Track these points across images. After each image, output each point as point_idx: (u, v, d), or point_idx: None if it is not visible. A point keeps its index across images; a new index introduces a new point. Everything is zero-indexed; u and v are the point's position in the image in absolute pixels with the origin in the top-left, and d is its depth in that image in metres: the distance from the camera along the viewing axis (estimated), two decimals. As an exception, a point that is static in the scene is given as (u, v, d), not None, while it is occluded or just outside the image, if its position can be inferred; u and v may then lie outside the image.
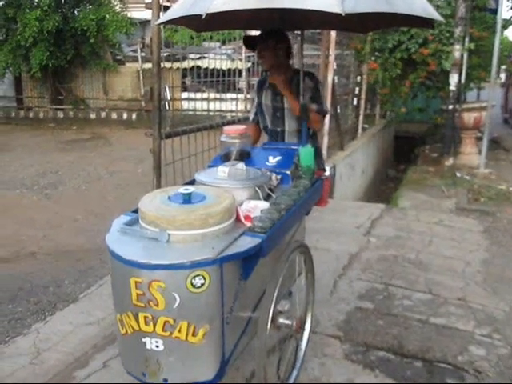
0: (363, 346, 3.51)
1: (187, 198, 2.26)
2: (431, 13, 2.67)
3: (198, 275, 2.01)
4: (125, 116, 18.24)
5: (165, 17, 3.01)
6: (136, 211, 2.36)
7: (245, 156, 3.02)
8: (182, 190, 2.29)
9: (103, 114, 18.51)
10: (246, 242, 2.18)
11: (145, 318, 2.06)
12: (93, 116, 18.62)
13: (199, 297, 2.05)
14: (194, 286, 2.02)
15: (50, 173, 10.41)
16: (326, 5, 2.29)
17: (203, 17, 2.37)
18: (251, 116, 3.94)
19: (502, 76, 21.60)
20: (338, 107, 10.47)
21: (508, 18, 11.34)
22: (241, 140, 3.00)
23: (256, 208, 2.47)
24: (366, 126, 11.42)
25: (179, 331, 2.06)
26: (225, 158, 2.99)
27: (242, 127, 3.08)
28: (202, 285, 2.03)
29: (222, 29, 4.62)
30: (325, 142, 8.01)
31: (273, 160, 3.06)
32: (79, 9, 17.89)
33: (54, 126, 17.62)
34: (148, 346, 2.10)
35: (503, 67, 19.69)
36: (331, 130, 8.40)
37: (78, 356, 3.37)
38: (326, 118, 3.88)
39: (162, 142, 4.09)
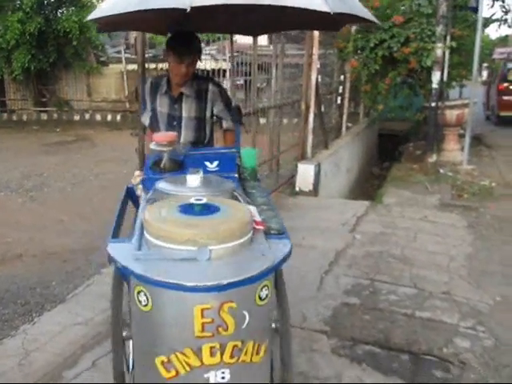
0: (350, 340, 3.55)
1: (206, 209, 2.07)
2: (367, 14, 2.56)
3: (264, 286, 1.89)
4: (109, 117, 18.19)
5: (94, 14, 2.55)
6: (115, 234, 2.42)
7: (177, 165, 2.86)
8: (193, 200, 2.10)
9: (87, 116, 18.45)
10: (280, 246, 2.08)
11: (211, 349, 1.83)
12: (77, 118, 18.56)
13: (264, 309, 1.94)
14: (261, 299, 1.89)
15: (35, 175, 10.35)
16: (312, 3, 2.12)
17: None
18: (147, 121, 3.54)
19: (484, 74, 21.85)
20: (322, 106, 10.56)
21: (488, 16, 11.45)
22: (171, 148, 2.82)
23: (254, 212, 2.31)
24: (350, 124, 11.47)
25: (245, 353, 1.89)
26: (155, 167, 2.84)
27: (172, 134, 2.93)
28: (267, 296, 1.92)
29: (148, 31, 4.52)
30: (309, 140, 8.06)
31: (212, 165, 2.90)
32: (61, 11, 17.80)
33: (37, 129, 17.51)
34: (212, 380, 1.88)
35: (485, 65, 19.91)
36: (315, 129, 8.44)
37: (67, 356, 3.38)
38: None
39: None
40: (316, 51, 7.64)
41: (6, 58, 16.79)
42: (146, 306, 1.87)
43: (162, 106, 3.40)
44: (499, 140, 12.96)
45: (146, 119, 3.52)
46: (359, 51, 9.85)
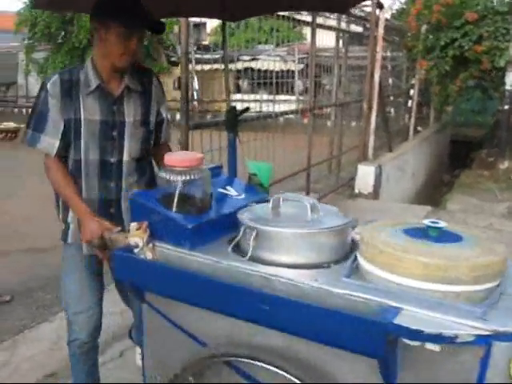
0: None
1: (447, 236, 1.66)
2: None
3: None
4: (177, 116, 18.49)
5: None
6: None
7: (206, 203, 2.00)
8: (429, 223, 1.65)
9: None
10: None
11: None
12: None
13: None
14: None
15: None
16: None
17: None
18: (55, 145, 2.27)
19: None
20: (392, 109, 10.28)
21: None
22: (195, 176, 1.93)
23: None
24: (419, 128, 11.12)
25: None
26: (165, 203, 1.94)
27: (197, 154, 2.05)
28: None
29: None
30: (371, 141, 7.81)
31: (234, 193, 2.18)
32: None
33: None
34: None
35: None
36: (379, 131, 8.19)
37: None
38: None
39: (190, 133, 4.01)
40: (380, 49, 7.40)
41: (80, 56, 17.32)
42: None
43: (91, 111, 2.26)
44: None
45: (52, 143, 2.27)
46: (429, 51, 9.46)
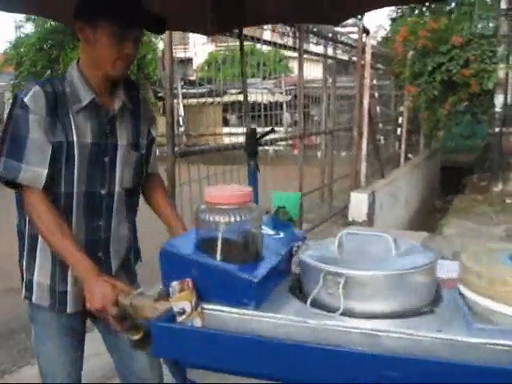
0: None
1: None
2: None
3: None
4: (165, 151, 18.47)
5: None
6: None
7: (259, 248, 1.60)
8: None
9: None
10: None
11: None
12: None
13: None
14: None
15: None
16: None
17: None
18: (43, 173, 1.76)
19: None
20: (381, 137, 10.23)
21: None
22: (246, 216, 1.52)
23: None
24: (410, 155, 11.09)
25: None
26: (209, 251, 1.52)
27: (244, 189, 1.59)
28: None
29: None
30: (363, 168, 7.71)
31: (270, 231, 1.78)
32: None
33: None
34: None
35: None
36: (370, 158, 8.10)
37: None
38: None
39: (177, 162, 3.88)
40: (368, 75, 7.34)
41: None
42: None
43: (82, 131, 1.83)
44: None
45: (39, 173, 1.76)
46: (416, 77, 9.46)
